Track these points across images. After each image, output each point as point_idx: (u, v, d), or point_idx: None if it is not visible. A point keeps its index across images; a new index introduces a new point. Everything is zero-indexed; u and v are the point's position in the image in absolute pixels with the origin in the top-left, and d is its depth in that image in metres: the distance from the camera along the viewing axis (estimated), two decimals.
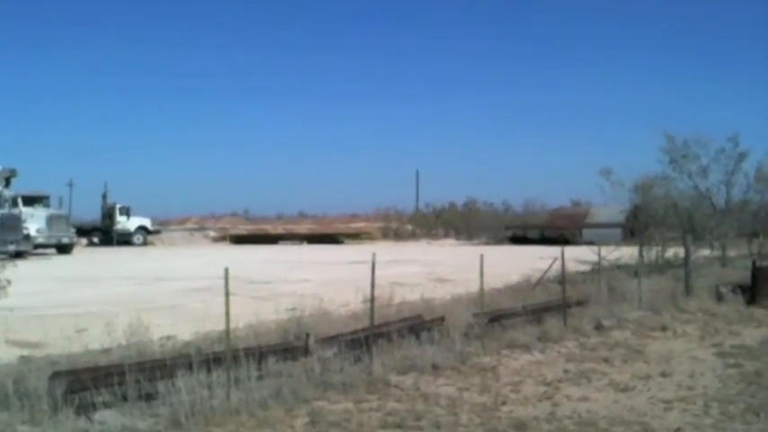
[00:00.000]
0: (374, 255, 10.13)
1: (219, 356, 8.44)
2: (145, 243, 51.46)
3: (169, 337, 10.95)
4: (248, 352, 8.77)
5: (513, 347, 11.51)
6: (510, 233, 58.45)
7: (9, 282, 6.31)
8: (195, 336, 11.07)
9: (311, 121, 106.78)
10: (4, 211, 35.55)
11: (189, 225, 67.46)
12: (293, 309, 12.71)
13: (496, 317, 12.51)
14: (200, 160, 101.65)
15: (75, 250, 40.93)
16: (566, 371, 10.15)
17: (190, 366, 8.20)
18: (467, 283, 16.08)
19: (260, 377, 8.61)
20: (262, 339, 10.17)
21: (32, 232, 36.95)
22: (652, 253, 22.03)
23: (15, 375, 8.17)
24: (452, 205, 72.89)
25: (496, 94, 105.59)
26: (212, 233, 62.18)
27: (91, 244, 50.61)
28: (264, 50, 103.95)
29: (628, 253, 21.17)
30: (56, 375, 7.60)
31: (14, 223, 34.60)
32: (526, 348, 11.51)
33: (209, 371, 8.25)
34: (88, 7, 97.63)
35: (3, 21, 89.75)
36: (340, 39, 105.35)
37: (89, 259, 35.11)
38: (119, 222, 51.34)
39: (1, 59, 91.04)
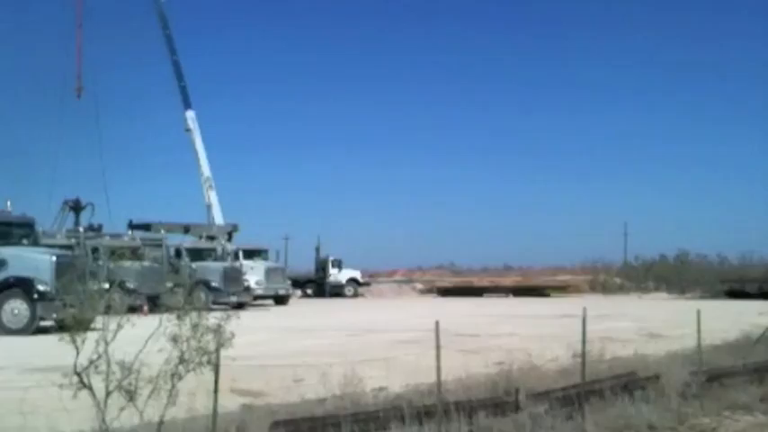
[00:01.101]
0: (585, 309, 9.97)
1: (430, 410, 8.55)
2: (355, 295, 52.89)
3: (381, 389, 11.16)
4: (459, 406, 8.83)
5: (734, 408, 10.91)
6: (726, 287, 55.40)
7: (233, 334, 6.69)
8: (406, 388, 11.23)
9: (515, 175, 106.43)
10: (227, 264, 37.70)
11: (397, 277, 68.68)
12: (501, 363, 12.63)
13: (715, 375, 11.91)
14: (408, 214, 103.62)
15: (291, 301, 42.68)
16: None
17: (402, 418, 8.36)
18: (681, 339, 15.42)
19: None
20: (471, 393, 10.18)
21: (252, 284, 38.90)
22: None
23: (238, 423, 8.61)
24: (663, 257, 70.04)
25: (706, 146, 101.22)
26: (419, 285, 62.99)
27: (305, 295, 52.61)
28: (469, 108, 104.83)
29: None
30: (276, 425, 7.95)
31: (236, 276, 36.64)
32: (748, 409, 10.88)
33: (420, 423, 8.38)
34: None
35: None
36: (560, 98, 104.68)
37: (304, 310, 36.48)
38: (331, 275, 53.11)
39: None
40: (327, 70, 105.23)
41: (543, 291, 58.61)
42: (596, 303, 38.50)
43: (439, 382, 8.44)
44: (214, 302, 31.07)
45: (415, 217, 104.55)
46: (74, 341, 6.38)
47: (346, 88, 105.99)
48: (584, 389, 9.83)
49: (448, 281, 65.92)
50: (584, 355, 10.01)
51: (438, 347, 8.25)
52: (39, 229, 25.49)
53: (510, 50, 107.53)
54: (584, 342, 9.92)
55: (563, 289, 59.92)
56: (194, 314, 6.56)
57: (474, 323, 25.36)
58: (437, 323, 8.21)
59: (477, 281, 65.25)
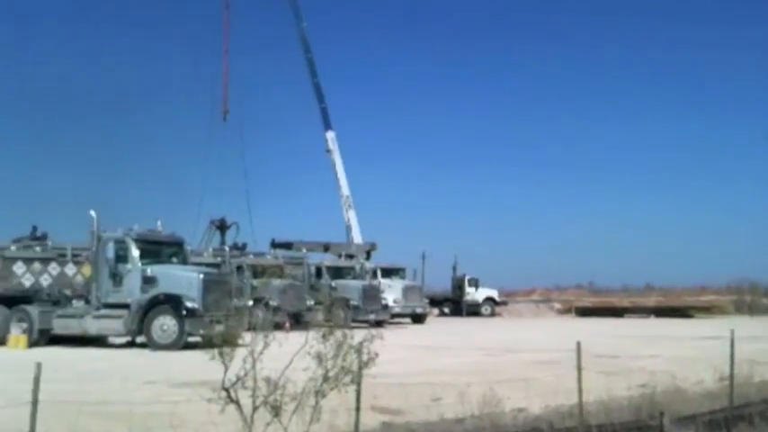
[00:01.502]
0: (732, 331, 9.64)
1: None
2: (492, 314, 52.54)
3: (521, 410, 11.08)
4: (601, 429, 8.71)
5: None
6: None
7: (377, 354, 6.80)
8: (546, 409, 11.10)
9: (656, 193, 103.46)
10: (366, 282, 38.17)
11: (534, 297, 67.80)
12: (644, 385, 12.34)
13: None
14: (546, 232, 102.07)
15: (428, 320, 42.78)
16: None
17: None
18: None
19: None
20: (613, 416, 9.98)
21: (390, 302, 39.22)
22: None
23: None
24: None
25: None
26: (557, 305, 61.98)
27: (442, 314, 52.63)
28: (606, 123, 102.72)
29: None
30: None
31: (375, 294, 37.06)
32: None
33: None
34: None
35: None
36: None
37: (440, 329, 36.52)
38: (468, 293, 52.96)
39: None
40: (464, 86, 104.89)
41: (686, 311, 56.55)
42: (742, 325, 36.91)
43: (581, 404, 8.33)
44: (353, 320, 31.52)
45: (553, 235, 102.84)
46: (222, 358, 6.63)
47: (483, 104, 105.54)
48: (732, 413, 9.50)
49: (587, 300, 64.55)
50: (732, 377, 9.67)
51: (579, 369, 8.15)
52: (187, 247, 26.49)
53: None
54: (732, 364, 9.60)
55: (707, 310, 57.64)
56: (338, 333, 6.72)
57: (615, 344, 24.79)
58: (578, 344, 8.11)
59: (618, 301, 63.60)
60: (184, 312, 22.06)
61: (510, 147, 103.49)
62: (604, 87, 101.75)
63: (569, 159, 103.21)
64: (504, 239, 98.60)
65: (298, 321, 25.67)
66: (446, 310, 53.65)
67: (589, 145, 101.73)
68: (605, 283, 75.30)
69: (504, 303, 55.95)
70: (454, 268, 54.44)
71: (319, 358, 6.70)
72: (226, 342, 6.74)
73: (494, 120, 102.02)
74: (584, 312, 57.40)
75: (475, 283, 53.41)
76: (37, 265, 25.15)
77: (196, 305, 22.18)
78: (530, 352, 21.70)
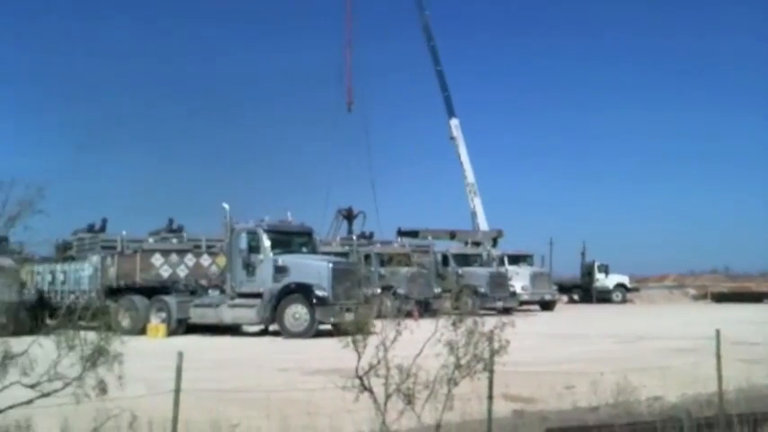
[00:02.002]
0: None
1: (711, 422, 8.18)
2: (624, 301, 51.40)
3: (656, 398, 10.81)
4: (742, 418, 8.38)
5: None
6: None
7: (508, 342, 6.74)
8: (682, 398, 10.81)
9: None
10: (493, 269, 37.98)
11: (667, 283, 66.02)
12: None
13: None
14: (678, 217, 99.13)
15: (557, 307, 42.23)
16: None
17: (680, 430, 8.05)
18: None
19: None
20: (754, 405, 9.60)
21: (518, 289, 38.93)
22: None
23: (510, 429, 8.67)
24: None
25: None
26: (692, 291, 60.16)
27: (571, 301, 51.85)
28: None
29: None
30: None
31: (502, 281, 36.84)
32: None
33: None
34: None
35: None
36: None
37: (570, 316, 35.99)
38: (597, 280, 51.97)
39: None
40: (589, 78, 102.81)
41: None
42: None
43: (720, 393, 8.07)
44: (480, 308, 31.37)
45: (686, 219, 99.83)
46: (355, 346, 6.70)
47: (607, 93, 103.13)
48: None
49: (723, 286, 62.44)
50: None
51: (719, 356, 7.87)
52: (316, 237, 26.94)
53: None
54: None
55: None
56: (469, 320, 6.69)
57: (754, 331, 23.81)
58: (717, 331, 7.84)
59: (756, 286, 61.19)
60: (315, 301, 22.45)
61: (637, 132, 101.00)
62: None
63: (702, 143, 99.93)
64: (634, 224, 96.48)
65: (426, 309, 25.77)
66: (575, 296, 52.82)
67: (725, 129, 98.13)
68: (742, 268, 72.66)
69: (635, 290, 54.63)
70: (583, 254, 53.56)
71: (450, 346, 6.68)
72: (359, 330, 6.79)
73: (619, 106, 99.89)
74: (721, 298, 55.41)
75: (605, 269, 52.34)
76: (174, 257, 26.08)
77: (326, 294, 22.54)
78: (664, 339, 21.10)
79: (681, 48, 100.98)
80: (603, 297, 50.99)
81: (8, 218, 6.77)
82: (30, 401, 6.40)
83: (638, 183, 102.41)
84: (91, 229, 29.97)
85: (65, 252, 28.91)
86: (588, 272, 52.59)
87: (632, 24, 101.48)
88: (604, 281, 52.12)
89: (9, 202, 6.76)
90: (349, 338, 6.74)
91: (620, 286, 52.43)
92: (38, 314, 19.77)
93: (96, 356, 6.35)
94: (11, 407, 6.43)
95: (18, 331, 6.73)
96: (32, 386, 6.34)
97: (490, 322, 7.02)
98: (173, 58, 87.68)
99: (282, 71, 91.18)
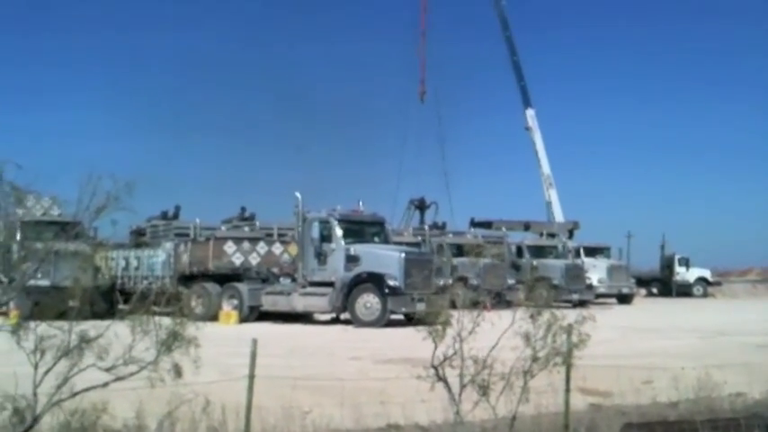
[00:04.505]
0: None
1: None
2: (705, 295, 50.21)
3: (739, 395, 10.48)
4: None
5: None
6: None
7: (589, 336, 6.55)
8: (766, 395, 10.45)
9: None
10: (568, 261, 37.45)
11: (751, 277, 64.27)
12: None
13: None
14: (762, 210, 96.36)
15: (635, 300, 41.46)
16: None
17: (765, 428, 7.76)
18: None
19: None
20: None
21: (594, 282, 38.28)
22: None
23: (587, 423, 8.46)
24: None
25: None
26: None
27: (649, 294, 50.85)
28: None
29: None
30: (628, 427, 7.71)
31: (578, 273, 36.29)
32: None
33: None
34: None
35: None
36: None
37: (648, 310, 35.29)
38: (677, 273, 50.87)
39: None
40: (672, 67, 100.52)
41: None
42: None
43: None
44: (555, 300, 30.94)
45: None
46: (433, 336, 6.60)
47: (691, 84, 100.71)
48: None
49: None
50: None
51: None
52: (388, 227, 26.89)
53: None
54: None
55: None
56: (547, 313, 6.53)
57: None
58: None
59: None
60: (387, 290, 22.40)
61: (720, 123, 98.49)
62: None
63: None
64: (716, 217, 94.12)
65: (499, 300, 25.52)
66: (654, 290, 51.77)
67: None
68: None
69: (717, 284, 53.28)
70: (662, 247, 52.40)
71: (527, 338, 6.53)
72: (435, 319, 6.68)
73: (704, 98, 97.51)
74: None
75: (685, 263, 51.16)
76: (246, 245, 26.30)
77: (398, 283, 22.46)
78: (747, 335, 20.51)
79: None
80: (684, 291, 49.85)
81: (96, 209, 6.80)
82: (105, 384, 6.46)
83: (720, 174, 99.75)
84: (164, 216, 30.48)
85: (139, 238, 29.40)
86: (668, 265, 51.48)
87: (722, 13, 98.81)
88: (685, 274, 50.97)
89: (96, 194, 6.79)
90: (428, 328, 6.63)
91: (702, 280, 51.21)
92: (112, 299, 20.11)
93: (171, 341, 6.38)
94: (87, 389, 6.49)
95: (93, 316, 6.78)
96: (108, 369, 6.39)
97: (570, 315, 6.84)
98: (246, 47, 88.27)
99: (357, 61, 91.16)
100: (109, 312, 6.78)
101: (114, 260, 27.16)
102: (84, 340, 6.38)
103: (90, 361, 6.40)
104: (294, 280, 24.49)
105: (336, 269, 23.32)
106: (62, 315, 6.57)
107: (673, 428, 7.67)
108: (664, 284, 51.18)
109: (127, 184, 6.75)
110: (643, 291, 49.66)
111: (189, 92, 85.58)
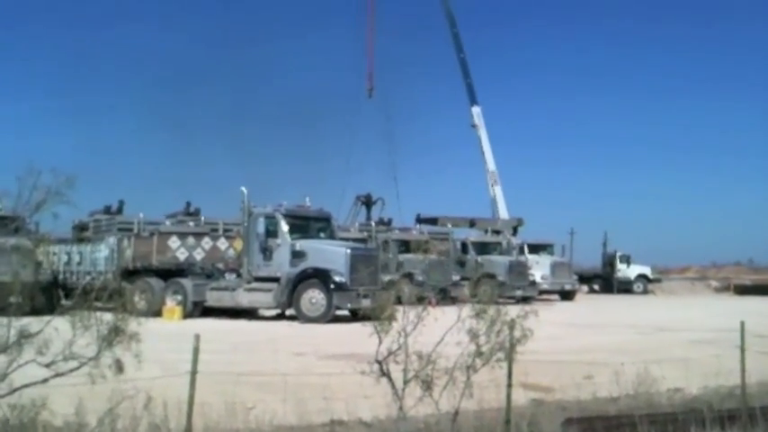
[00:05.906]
0: None
1: (733, 414, 8.06)
2: (645, 291, 51.07)
3: (677, 390, 10.69)
4: (765, 412, 8.24)
5: None
6: None
7: (531, 331, 6.63)
8: (703, 390, 10.67)
9: None
10: (512, 258, 37.80)
11: (689, 274, 65.60)
12: None
13: None
14: (701, 208, 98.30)
15: (577, 297, 42.03)
16: None
17: (702, 422, 7.93)
18: None
19: None
20: None
21: (537, 279, 38.71)
22: None
23: (529, 418, 8.56)
24: None
25: None
26: (714, 283, 59.78)
27: (591, 291, 51.58)
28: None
29: None
30: (569, 422, 7.82)
31: (522, 270, 36.64)
32: None
33: (722, 428, 7.90)
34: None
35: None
36: None
37: (590, 306, 35.76)
38: (619, 270, 51.66)
39: None
40: (611, 65, 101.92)
41: None
42: None
43: (743, 386, 7.94)
44: (499, 296, 31.19)
45: (709, 211, 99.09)
46: (377, 331, 6.61)
47: (628, 80, 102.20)
48: None
49: (746, 278, 61.89)
50: None
51: (743, 349, 7.74)
52: (335, 222, 26.86)
53: None
54: None
55: None
56: (492, 309, 6.60)
57: None
58: (742, 323, 7.72)
59: None
60: (332, 286, 22.38)
61: (660, 122, 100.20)
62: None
63: (726, 134, 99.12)
64: (657, 215, 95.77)
65: (444, 297, 25.64)
66: (596, 287, 52.53)
67: (749, 120, 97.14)
68: (766, 260, 71.98)
69: (657, 281, 54.27)
70: (604, 244, 53.21)
71: (472, 334, 6.59)
72: (380, 315, 6.70)
73: (641, 95, 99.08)
74: (744, 291, 54.84)
75: (626, 260, 51.99)
76: (190, 240, 26.06)
77: (344, 279, 22.44)
78: (685, 331, 20.92)
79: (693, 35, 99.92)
80: (624, 288, 50.67)
81: (36, 204, 6.70)
82: (45, 381, 6.36)
83: (661, 173, 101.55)
84: (108, 210, 30.03)
85: (81, 233, 28.96)
86: (609, 262, 52.25)
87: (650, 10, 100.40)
88: (626, 271, 51.78)
89: (37, 188, 6.68)
90: (374, 323, 6.65)
91: (642, 277, 52.08)
92: (53, 294, 19.76)
93: (113, 336, 6.30)
94: (26, 386, 6.39)
95: (34, 311, 6.67)
96: (48, 365, 6.30)
97: (513, 311, 6.92)
98: (193, 43, 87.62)
99: (303, 56, 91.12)
100: (49, 308, 6.64)
101: (56, 255, 26.68)
102: (24, 336, 6.28)
103: (29, 357, 6.30)
104: (239, 275, 24.34)
105: (282, 264, 23.25)
106: (1, 310, 6.46)
107: (612, 423, 7.80)
108: (605, 281, 51.94)
109: (68, 179, 6.66)
110: (585, 287, 50.35)
111: (134, 87, 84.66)
